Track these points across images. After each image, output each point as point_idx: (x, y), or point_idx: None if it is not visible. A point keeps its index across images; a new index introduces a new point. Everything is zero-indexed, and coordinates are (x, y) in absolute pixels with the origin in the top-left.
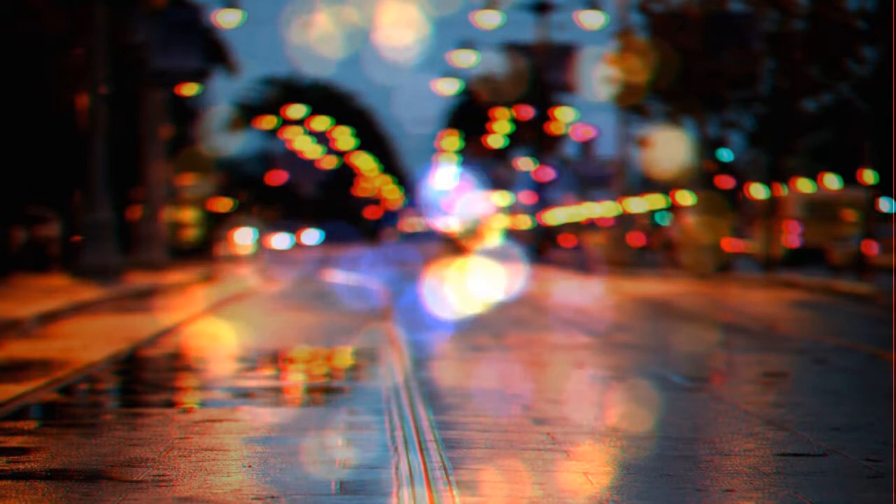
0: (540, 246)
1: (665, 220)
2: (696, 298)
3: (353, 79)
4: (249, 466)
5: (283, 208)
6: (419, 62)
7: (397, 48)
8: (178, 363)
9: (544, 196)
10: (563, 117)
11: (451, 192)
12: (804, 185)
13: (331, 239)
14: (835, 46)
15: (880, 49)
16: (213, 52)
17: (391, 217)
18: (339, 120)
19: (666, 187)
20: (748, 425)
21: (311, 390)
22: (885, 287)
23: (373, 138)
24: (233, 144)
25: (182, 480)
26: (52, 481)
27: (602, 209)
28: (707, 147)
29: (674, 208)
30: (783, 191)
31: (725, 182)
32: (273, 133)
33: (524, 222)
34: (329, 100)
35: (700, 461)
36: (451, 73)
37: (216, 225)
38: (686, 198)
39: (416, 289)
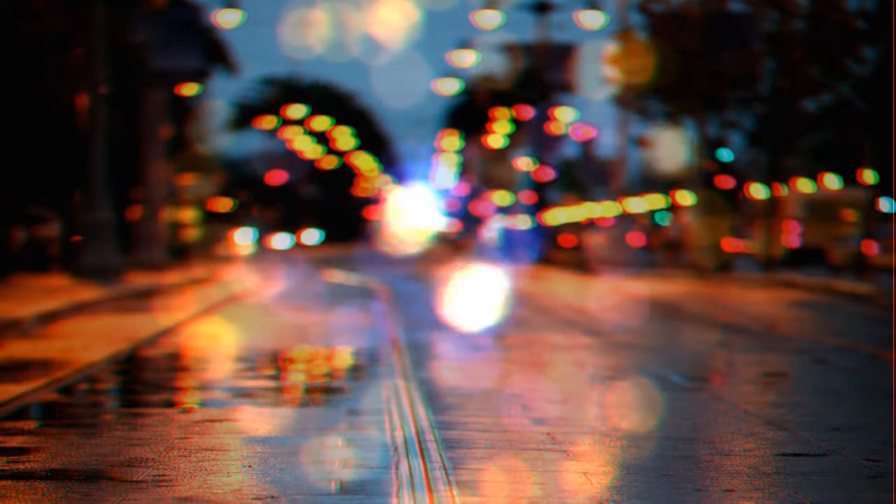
0: (540, 246)
1: (665, 220)
2: (696, 298)
3: (352, 79)
4: (249, 466)
5: (283, 208)
6: (419, 62)
7: (397, 48)
8: (177, 363)
9: (544, 196)
10: (563, 117)
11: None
12: (804, 185)
13: (331, 239)
14: (835, 46)
15: (880, 49)
16: (213, 52)
17: (391, 217)
18: (339, 120)
19: (666, 187)
20: (748, 425)
21: (311, 390)
22: (885, 287)
23: (373, 138)
24: (233, 144)
25: (182, 480)
26: (52, 481)
27: (602, 209)
28: (707, 147)
29: (674, 208)
30: (783, 191)
31: (725, 182)
32: (273, 133)
33: (524, 222)
34: (329, 100)
35: (700, 461)
36: (451, 73)
37: (216, 225)
38: (686, 198)
39: (416, 288)
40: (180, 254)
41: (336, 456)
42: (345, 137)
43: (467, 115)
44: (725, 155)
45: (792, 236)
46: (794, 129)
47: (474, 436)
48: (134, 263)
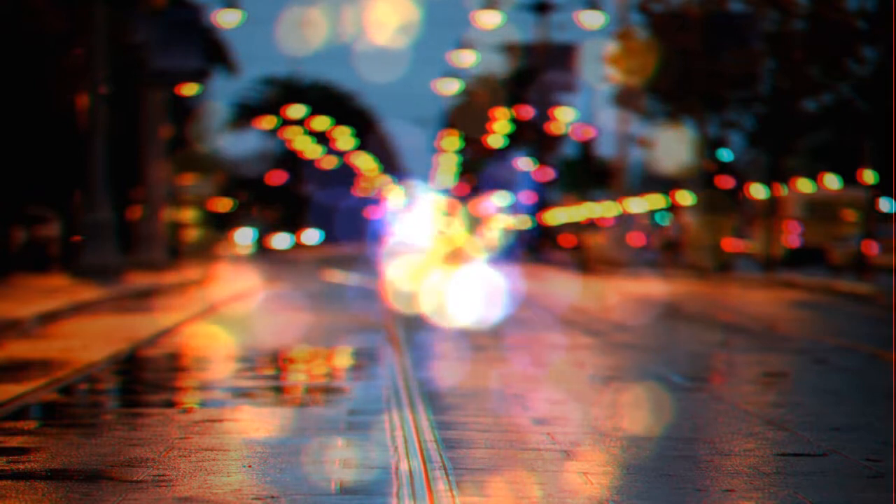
0: (540, 246)
1: (665, 220)
2: (696, 298)
3: (352, 78)
4: (249, 466)
5: (283, 208)
6: (419, 61)
7: (396, 47)
8: (178, 363)
9: (544, 196)
10: (563, 117)
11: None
12: (804, 185)
13: (331, 239)
14: (835, 46)
15: (880, 49)
16: (213, 52)
17: (391, 217)
18: (339, 120)
19: (666, 187)
20: (748, 425)
21: (311, 390)
22: (885, 287)
23: (373, 138)
24: (233, 144)
25: (182, 480)
26: (52, 481)
27: (602, 209)
28: (707, 147)
29: (674, 208)
30: (783, 191)
31: (725, 182)
32: (273, 133)
33: (524, 222)
34: (329, 100)
35: (700, 461)
36: (451, 73)
37: (216, 225)
38: (686, 198)
39: (416, 288)
40: (180, 254)
41: (336, 456)
42: (345, 137)
43: (467, 115)
44: (725, 155)
45: (792, 236)
46: (794, 129)
47: (474, 436)
48: (134, 263)
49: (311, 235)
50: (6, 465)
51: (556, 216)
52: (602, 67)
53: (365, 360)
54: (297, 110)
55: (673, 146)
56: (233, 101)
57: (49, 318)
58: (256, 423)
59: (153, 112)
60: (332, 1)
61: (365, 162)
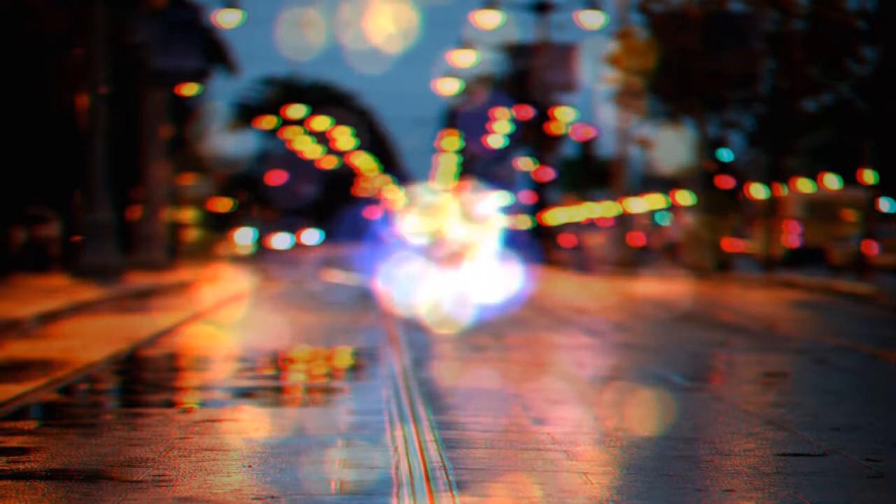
0: (540, 246)
1: (665, 220)
2: (696, 298)
3: (352, 78)
4: (249, 466)
5: (283, 208)
6: (419, 61)
7: (396, 47)
8: (178, 363)
9: (544, 196)
10: (563, 117)
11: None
12: (804, 185)
13: (331, 239)
14: (835, 46)
15: (880, 49)
16: (213, 52)
17: (391, 217)
18: (339, 120)
19: (666, 187)
20: (748, 425)
21: (311, 390)
22: (885, 287)
23: (373, 138)
24: (233, 144)
25: (182, 480)
26: (52, 481)
27: (602, 209)
28: (707, 147)
29: (674, 208)
30: (783, 191)
31: (725, 182)
32: (273, 133)
33: (524, 222)
34: (329, 100)
35: (700, 461)
36: (451, 73)
37: (216, 225)
38: (686, 198)
39: (416, 289)
40: (180, 254)
41: (336, 456)
42: (345, 137)
43: (467, 115)
44: (725, 155)
45: (792, 236)
46: (794, 129)
47: (474, 436)
48: (134, 263)
49: (311, 235)
50: (6, 465)
51: (556, 216)
52: (602, 67)
53: (365, 360)
54: (297, 110)
55: (673, 146)
56: (233, 101)
57: (49, 318)
58: (256, 423)
59: (153, 112)
60: (331, 1)
61: (365, 162)
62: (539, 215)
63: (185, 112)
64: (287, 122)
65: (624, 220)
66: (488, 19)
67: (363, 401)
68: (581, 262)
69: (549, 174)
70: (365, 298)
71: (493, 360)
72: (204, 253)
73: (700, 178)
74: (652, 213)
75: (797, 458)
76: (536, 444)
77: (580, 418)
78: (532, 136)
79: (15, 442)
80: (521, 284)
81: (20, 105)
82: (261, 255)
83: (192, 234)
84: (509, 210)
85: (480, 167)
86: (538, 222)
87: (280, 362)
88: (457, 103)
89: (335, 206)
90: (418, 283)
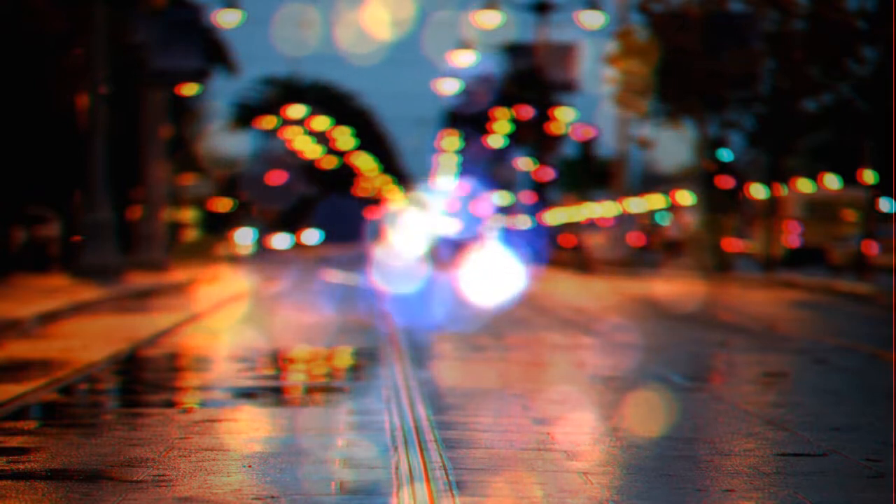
0: (540, 246)
1: (665, 220)
2: (696, 298)
3: (352, 78)
4: (249, 466)
5: (283, 208)
6: (419, 61)
7: (396, 47)
8: (178, 363)
9: (544, 196)
10: (563, 117)
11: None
12: (804, 185)
13: (331, 239)
14: (835, 46)
15: (880, 49)
16: (213, 52)
17: (391, 217)
18: (339, 120)
19: (666, 187)
20: (748, 425)
21: (311, 390)
22: (885, 287)
23: (373, 138)
24: (233, 144)
25: (182, 480)
26: (52, 481)
27: (602, 209)
28: (707, 147)
29: (674, 208)
30: (783, 191)
31: (725, 182)
32: (273, 133)
33: (524, 222)
34: (329, 100)
35: (700, 461)
36: (451, 73)
37: (216, 225)
38: (686, 198)
39: (416, 289)
40: (180, 254)
41: (336, 456)
42: (345, 137)
43: (467, 115)
44: (725, 155)
45: (792, 236)
46: (794, 129)
47: (474, 436)
48: (134, 263)
49: (311, 235)
50: (6, 465)
51: (556, 216)
52: (602, 67)
53: (365, 360)
54: (297, 110)
55: (673, 146)
56: (233, 101)
57: (49, 318)
58: (256, 423)
59: (153, 112)
60: (331, 1)
61: (365, 162)
62: (539, 215)
63: (185, 112)
64: (287, 122)
65: (624, 220)
66: (488, 19)
67: (363, 401)
68: (581, 262)
69: (549, 174)
70: (364, 298)
71: (493, 360)
72: (204, 253)
73: (700, 178)
74: (652, 213)
75: (797, 458)
76: (536, 444)
77: (580, 418)
78: (532, 136)
79: (15, 442)
80: (519, 284)
81: (20, 105)
82: (261, 255)
83: (192, 234)
84: (509, 210)
85: (480, 167)
86: (538, 222)
87: (280, 362)
88: (457, 103)
89: (335, 206)
90: (418, 284)
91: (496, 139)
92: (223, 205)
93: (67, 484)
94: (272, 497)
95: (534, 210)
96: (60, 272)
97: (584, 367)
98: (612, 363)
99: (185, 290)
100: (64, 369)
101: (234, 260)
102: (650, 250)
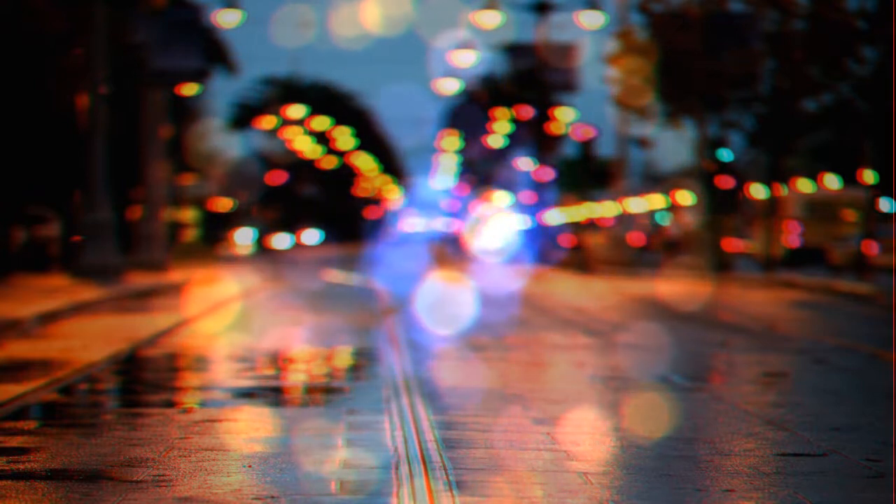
0: (540, 246)
1: (665, 220)
2: (696, 298)
3: (352, 78)
4: (249, 466)
5: (283, 208)
6: (418, 61)
7: (396, 47)
8: (178, 363)
9: (544, 196)
10: (563, 117)
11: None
12: (804, 185)
13: (331, 239)
14: (835, 46)
15: (880, 49)
16: (213, 52)
17: (391, 217)
18: (339, 120)
19: (666, 187)
20: (748, 425)
21: (311, 390)
22: (885, 287)
23: (373, 138)
24: (233, 144)
25: (182, 480)
26: (52, 481)
27: (602, 209)
28: (707, 147)
29: (674, 208)
30: (783, 191)
31: (725, 182)
32: (273, 133)
33: (524, 222)
34: (329, 100)
35: (700, 461)
36: (451, 73)
37: (216, 225)
38: (686, 198)
39: (416, 289)
40: (180, 253)
41: (336, 456)
42: (345, 137)
43: (467, 115)
44: (725, 155)
45: (792, 236)
46: (794, 129)
47: (474, 436)
48: (134, 263)
49: (311, 235)
50: (6, 465)
51: (556, 216)
52: (602, 67)
53: (365, 360)
54: (297, 110)
55: (673, 146)
56: (233, 101)
57: (49, 318)
58: (256, 423)
59: (153, 112)
60: (331, 1)
61: (365, 162)
62: (539, 215)
63: (185, 112)
64: (287, 122)
65: (624, 220)
66: (488, 19)
67: (363, 401)
68: (581, 262)
69: (549, 174)
70: (364, 298)
71: (493, 360)
72: (204, 253)
73: (700, 178)
74: (652, 213)
75: (797, 458)
76: (536, 444)
77: (580, 418)
78: (532, 136)
79: (15, 442)
80: (519, 284)
81: (20, 105)
82: (261, 255)
83: (192, 234)
84: (509, 210)
85: (480, 167)
86: (538, 222)
87: (280, 362)
88: (457, 103)
89: (335, 206)
90: (418, 284)
91: (496, 139)
92: (223, 205)
93: (67, 484)
94: (272, 497)
95: (534, 210)
96: (60, 272)
97: (584, 367)
98: (612, 363)
99: (184, 290)
100: (64, 369)
101: (234, 260)
102: (650, 250)
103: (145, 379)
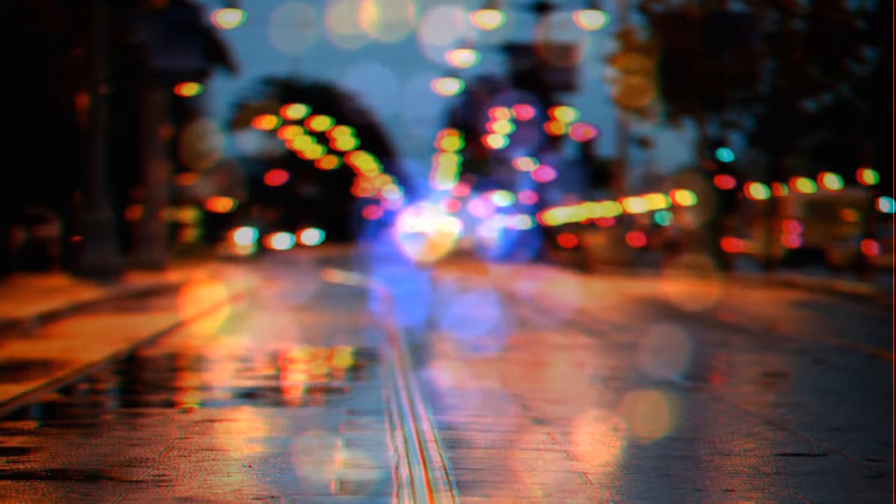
0: (540, 246)
1: (665, 220)
2: (696, 298)
3: (352, 78)
4: (249, 466)
5: (283, 208)
6: (418, 61)
7: (396, 47)
8: (178, 363)
9: (544, 196)
10: (563, 117)
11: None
12: (804, 185)
13: (331, 239)
14: (835, 46)
15: (880, 49)
16: (213, 52)
17: (391, 217)
18: (339, 120)
19: (666, 187)
20: (748, 425)
21: (311, 390)
22: (885, 287)
23: (373, 138)
24: (233, 144)
25: (182, 480)
26: (52, 481)
27: (602, 209)
28: (707, 147)
29: (674, 208)
30: (783, 191)
31: (725, 182)
32: (273, 133)
33: (524, 222)
34: (329, 100)
35: (700, 461)
36: (451, 73)
37: (216, 225)
38: (686, 198)
39: (416, 289)
40: (180, 254)
41: (336, 456)
42: (345, 137)
43: (467, 115)
44: (725, 155)
45: (792, 236)
46: (794, 129)
47: (474, 436)
48: (134, 263)
49: (311, 235)
50: (6, 465)
51: (556, 216)
52: (602, 67)
53: (365, 360)
54: (297, 110)
55: (673, 146)
56: (233, 101)
57: (49, 318)
58: (256, 423)
59: (153, 112)
60: (331, 1)
61: (365, 162)
62: (539, 215)
63: (185, 112)
64: (287, 122)
65: (624, 220)
66: (488, 19)
67: (363, 401)
68: (581, 262)
69: (549, 174)
70: (364, 298)
71: (493, 360)
72: (204, 253)
73: (700, 178)
74: (652, 213)
75: (797, 458)
76: (536, 444)
77: (580, 418)
78: (532, 136)
79: (15, 442)
80: (519, 284)
81: (20, 105)
82: (261, 255)
83: (192, 234)
84: (510, 210)
85: (480, 167)
86: (538, 222)
87: (280, 362)
88: (457, 103)
89: (335, 206)
90: (417, 284)
91: (496, 139)
92: (223, 205)
93: (67, 484)
94: (272, 497)
95: (534, 210)
96: (60, 272)
97: (584, 367)
98: (612, 363)
99: (184, 290)
100: (64, 369)
101: (234, 260)
102: (650, 250)
103: (145, 379)
